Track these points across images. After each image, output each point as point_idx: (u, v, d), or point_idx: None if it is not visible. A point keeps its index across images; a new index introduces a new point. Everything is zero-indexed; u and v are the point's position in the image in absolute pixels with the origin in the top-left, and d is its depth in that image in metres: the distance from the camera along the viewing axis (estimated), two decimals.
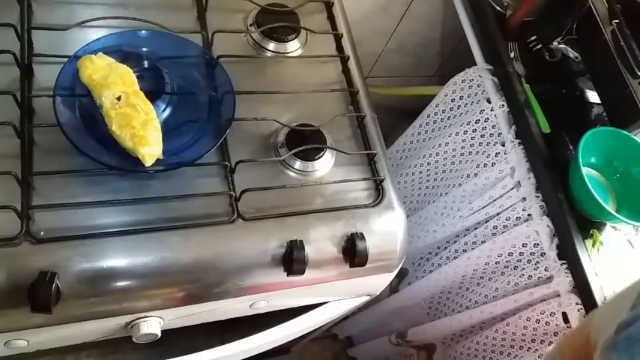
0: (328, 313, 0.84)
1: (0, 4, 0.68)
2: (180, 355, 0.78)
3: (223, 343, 0.81)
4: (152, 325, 0.64)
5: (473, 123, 1.04)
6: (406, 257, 0.75)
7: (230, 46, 0.76)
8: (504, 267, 1.00)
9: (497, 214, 0.99)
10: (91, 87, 0.63)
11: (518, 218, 0.95)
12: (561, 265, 0.88)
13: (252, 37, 0.79)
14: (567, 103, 1.04)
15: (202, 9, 0.77)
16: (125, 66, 0.65)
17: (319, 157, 0.72)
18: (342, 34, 0.84)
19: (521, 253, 0.96)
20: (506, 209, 0.97)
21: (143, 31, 0.70)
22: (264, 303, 0.72)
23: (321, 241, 0.68)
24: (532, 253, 0.94)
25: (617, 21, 0.90)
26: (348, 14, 0.87)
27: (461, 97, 1.09)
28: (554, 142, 0.95)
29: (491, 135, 1.03)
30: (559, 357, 0.56)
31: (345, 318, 0.93)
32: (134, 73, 0.65)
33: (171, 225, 0.63)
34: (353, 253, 0.67)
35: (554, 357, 0.57)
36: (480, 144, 1.05)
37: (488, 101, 1.01)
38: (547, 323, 0.91)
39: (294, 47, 0.80)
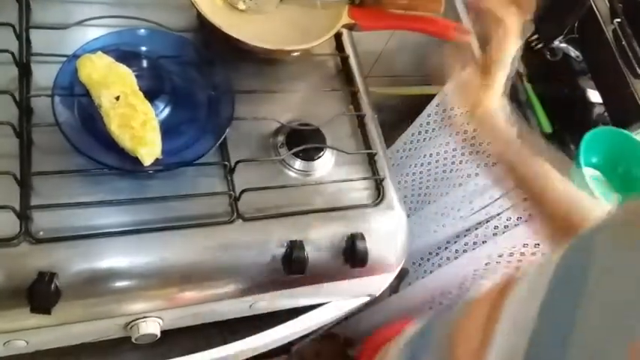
0: (328, 313, 0.83)
1: None
2: (180, 355, 0.77)
3: (223, 343, 0.81)
4: (151, 326, 0.64)
5: None
6: (406, 257, 0.75)
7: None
8: (505, 267, 1.00)
9: (498, 214, 0.99)
10: (89, 86, 0.63)
11: (519, 218, 0.95)
12: None
13: None
14: (569, 103, 1.03)
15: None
16: (124, 66, 0.65)
17: (319, 157, 0.72)
18: (342, 33, 0.83)
19: (522, 254, 0.95)
20: (507, 209, 0.96)
21: (142, 30, 0.70)
22: (264, 303, 0.72)
23: (321, 241, 0.68)
24: (533, 254, 0.94)
25: (619, 20, 0.90)
26: None
27: None
28: (556, 141, 0.94)
29: None
30: None
31: (345, 318, 0.93)
32: (133, 72, 0.65)
33: (171, 225, 0.62)
34: (353, 253, 0.67)
35: None
36: (481, 143, 1.05)
37: None
38: None
39: None
